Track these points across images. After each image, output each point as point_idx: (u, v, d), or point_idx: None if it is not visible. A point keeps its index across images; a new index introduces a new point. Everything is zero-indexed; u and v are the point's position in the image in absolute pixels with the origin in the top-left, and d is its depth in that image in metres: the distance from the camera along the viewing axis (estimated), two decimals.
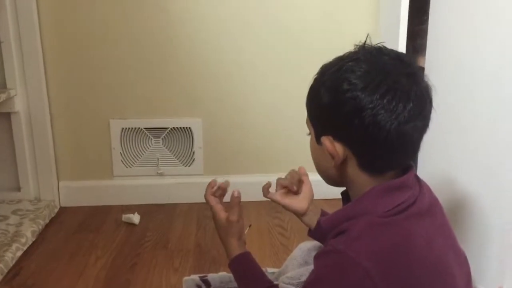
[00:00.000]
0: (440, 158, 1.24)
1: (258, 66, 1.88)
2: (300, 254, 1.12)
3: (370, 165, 0.74)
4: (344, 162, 0.74)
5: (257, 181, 1.98)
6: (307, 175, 1.01)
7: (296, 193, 1.00)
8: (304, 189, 1.00)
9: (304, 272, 1.03)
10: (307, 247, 1.13)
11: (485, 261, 1.06)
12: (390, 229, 0.71)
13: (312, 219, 1.00)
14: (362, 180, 0.75)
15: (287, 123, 1.91)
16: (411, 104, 0.70)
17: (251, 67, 1.88)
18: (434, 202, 0.79)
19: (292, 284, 0.99)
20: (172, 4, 1.81)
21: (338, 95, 0.72)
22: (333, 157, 0.74)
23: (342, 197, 0.86)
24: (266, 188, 0.99)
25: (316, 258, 0.75)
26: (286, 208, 0.99)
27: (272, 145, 1.95)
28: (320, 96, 0.74)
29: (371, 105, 0.69)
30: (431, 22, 1.35)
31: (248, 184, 1.99)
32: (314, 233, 1.00)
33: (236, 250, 0.96)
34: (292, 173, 1.00)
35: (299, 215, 1.00)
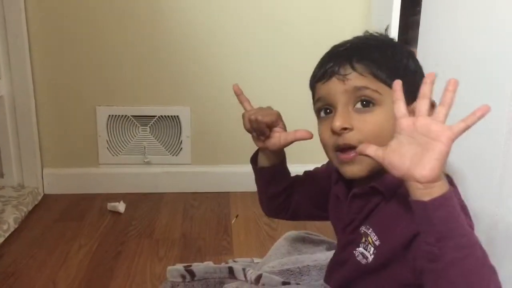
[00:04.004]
0: None
1: (248, 55, 1.85)
2: (284, 244, 1.11)
3: None
4: None
5: (244, 171, 1.96)
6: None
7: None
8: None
9: (287, 261, 1.02)
10: (291, 237, 1.12)
11: None
12: None
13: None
14: None
15: None
16: None
17: (241, 56, 1.85)
18: None
19: (274, 273, 0.98)
20: None
21: (417, 61, 0.80)
22: None
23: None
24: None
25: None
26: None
27: None
28: (405, 62, 0.77)
29: None
30: (423, 13, 1.34)
31: (235, 174, 1.98)
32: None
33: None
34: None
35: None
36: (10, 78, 1.76)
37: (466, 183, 1.10)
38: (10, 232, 1.58)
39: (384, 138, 0.68)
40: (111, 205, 1.77)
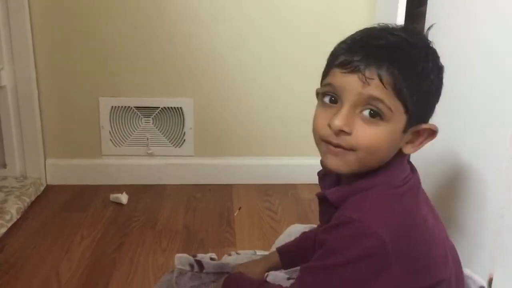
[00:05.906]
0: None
1: (252, 47, 1.84)
2: (287, 240, 1.10)
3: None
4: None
5: (247, 163, 1.99)
6: None
7: None
8: None
9: None
10: (296, 231, 1.11)
11: (476, 248, 1.05)
12: (401, 199, 0.73)
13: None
14: (402, 158, 0.77)
15: (279, 105, 1.88)
16: None
17: (244, 48, 1.84)
18: (421, 185, 0.81)
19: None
20: None
21: (441, 79, 0.76)
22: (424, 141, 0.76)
23: (321, 177, 0.85)
24: None
25: (326, 231, 0.72)
26: None
27: (263, 127, 1.92)
28: (431, 81, 0.73)
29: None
30: (429, 4, 1.32)
31: (238, 166, 1.98)
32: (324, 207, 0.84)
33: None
34: None
35: None
36: (13, 68, 1.75)
37: (473, 175, 1.09)
38: (12, 223, 1.58)
39: (376, 154, 0.72)
40: (113, 196, 1.77)
